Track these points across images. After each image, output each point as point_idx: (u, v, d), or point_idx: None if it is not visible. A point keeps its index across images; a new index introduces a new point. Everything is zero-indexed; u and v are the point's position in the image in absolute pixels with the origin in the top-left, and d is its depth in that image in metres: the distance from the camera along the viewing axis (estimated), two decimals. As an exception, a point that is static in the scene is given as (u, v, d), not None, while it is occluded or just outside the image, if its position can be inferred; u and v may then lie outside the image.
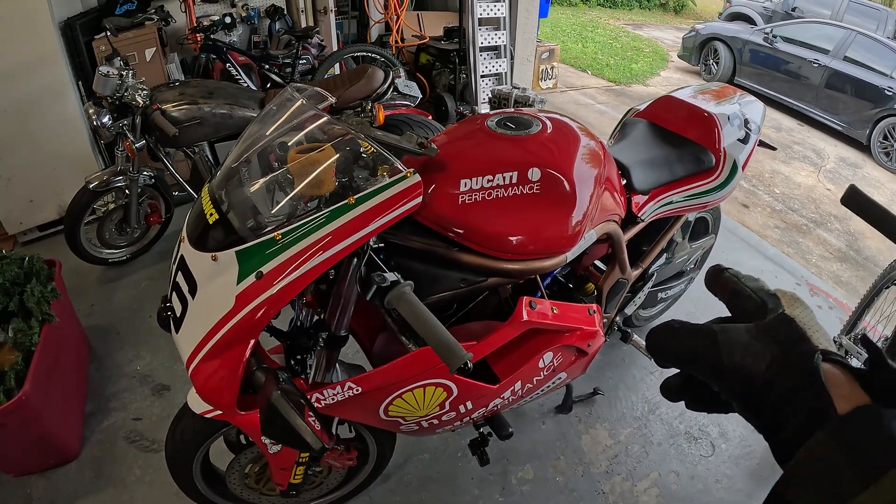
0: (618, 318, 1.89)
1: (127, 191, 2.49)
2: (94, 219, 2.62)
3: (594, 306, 1.42)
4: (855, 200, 1.20)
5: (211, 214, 1.03)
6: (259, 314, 0.93)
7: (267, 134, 1.16)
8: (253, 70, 3.39)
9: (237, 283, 0.94)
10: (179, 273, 1.05)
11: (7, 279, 1.91)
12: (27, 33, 2.50)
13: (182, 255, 1.05)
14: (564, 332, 1.30)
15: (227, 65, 3.15)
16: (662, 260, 1.96)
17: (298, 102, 1.15)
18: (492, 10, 4.05)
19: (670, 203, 1.75)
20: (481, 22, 4.04)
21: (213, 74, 3.28)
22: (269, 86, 3.45)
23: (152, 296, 2.57)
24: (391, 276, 0.96)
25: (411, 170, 0.99)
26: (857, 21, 7.60)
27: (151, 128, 2.29)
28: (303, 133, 1.11)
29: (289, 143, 1.10)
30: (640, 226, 1.69)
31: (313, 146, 1.06)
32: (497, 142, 1.22)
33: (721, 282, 0.45)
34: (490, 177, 1.13)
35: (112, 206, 2.61)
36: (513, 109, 1.42)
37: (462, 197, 1.12)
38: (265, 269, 0.93)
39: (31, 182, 2.78)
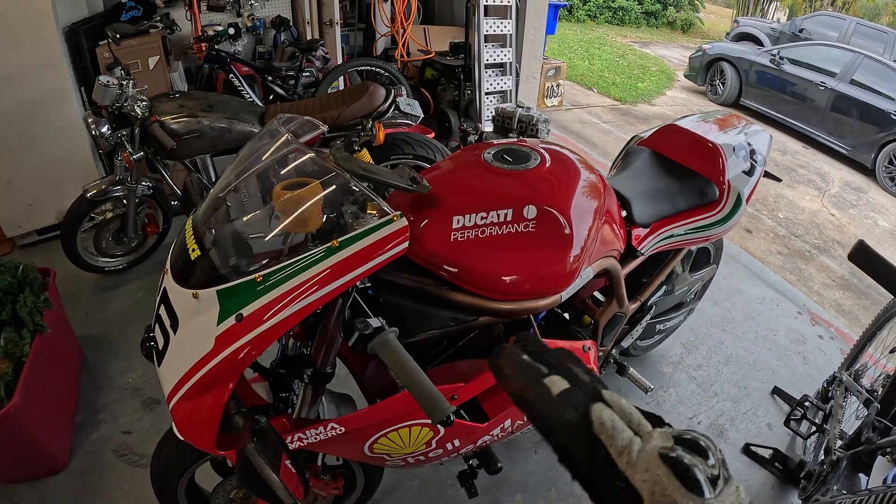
0: (614, 350, 1.85)
1: (125, 200, 2.48)
2: (92, 226, 2.61)
3: (589, 342, 1.40)
4: (862, 256, 1.18)
5: (193, 250, 1.01)
6: (239, 357, 0.90)
7: (253, 168, 1.14)
8: (256, 81, 3.38)
9: (217, 324, 0.91)
10: (162, 306, 1.02)
11: (0, 288, 1.89)
12: (31, 37, 2.50)
13: (165, 288, 1.03)
14: None
15: (231, 76, 3.14)
16: (662, 292, 1.93)
17: (284, 137, 1.12)
18: (498, 27, 4.05)
19: (671, 237, 1.71)
20: (487, 39, 4.04)
21: (216, 84, 3.27)
22: (271, 98, 3.44)
23: (147, 307, 2.55)
24: (375, 323, 0.93)
25: (398, 213, 0.95)
26: (864, 44, 7.61)
27: (150, 139, 2.28)
28: (289, 167, 1.08)
29: (275, 179, 1.08)
30: (640, 260, 1.65)
31: (300, 181, 1.03)
32: (493, 176, 1.20)
33: (526, 403, 0.42)
34: (484, 214, 1.10)
35: (110, 214, 2.60)
36: (513, 140, 1.39)
37: (454, 234, 1.09)
38: (245, 311, 0.90)
39: (32, 186, 2.77)
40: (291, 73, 3.36)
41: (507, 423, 1.27)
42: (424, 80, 4.52)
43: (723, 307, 3.07)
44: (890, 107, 5.87)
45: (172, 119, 2.28)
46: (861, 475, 1.70)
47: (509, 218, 1.11)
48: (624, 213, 1.58)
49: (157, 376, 1.06)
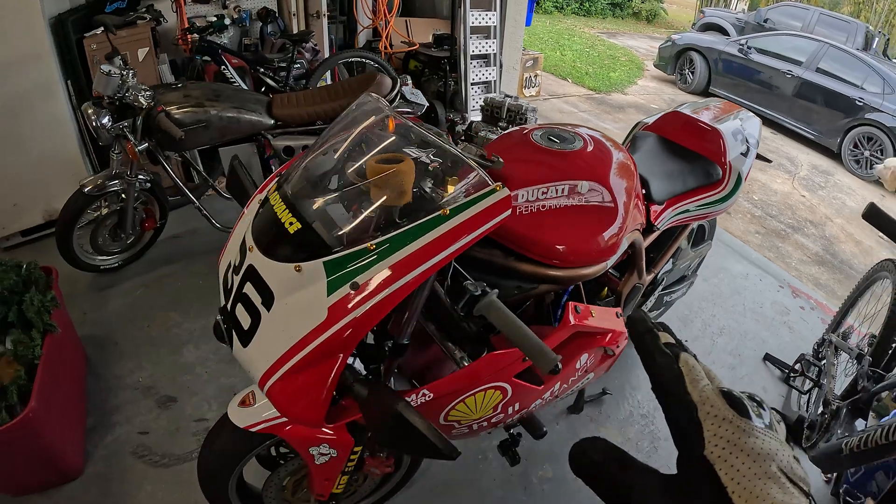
0: (632, 320, 1.95)
1: (123, 195, 2.42)
2: (85, 224, 2.53)
3: (619, 310, 1.47)
4: (874, 216, 1.29)
5: (291, 223, 1.00)
6: (356, 326, 0.91)
7: (348, 139, 1.15)
8: (247, 73, 3.33)
9: (327, 295, 0.92)
10: (248, 284, 1.02)
11: (5, 287, 1.82)
12: (17, 28, 2.39)
13: (251, 265, 1.02)
14: (599, 335, 1.34)
15: (222, 67, 3.09)
16: (670, 265, 2.03)
17: (377, 109, 1.14)
18: (483, 18, 4.10)
19: (683, 213, 1.82)
20: (473, 30, 4.08)
21: (204, 77, 3.20)
22: (263, 90, 3.40)
23: (148, 304, 2.50)
24: (479, 286, 0.97)
25: (499, 183, 0.99)
26: (828, 33, 7.95)
27: (153, 130, 2.23)
28: (384, 143, 1.10)
29: (367, 153, 1.09)
30: (656, 234, 1.75)
31: (391, 157, 1.05)
32: (546, 155, 1.28)
33: (642, 345, 0.50)
34: (544, 188, 1.17)
35: (105, 210, 2.52)
36: (555, 124, 1.46)
37: (519, 207, 1.16)
38: (360, 279, 0.91)
39: (16, 185, 2.66)
40: (283, 65, 3.33)
41: (557, 385, 1.33)
42: (408, 72, 4.52)
43: (711, 283, 3.21)
44: (854, 93, 6.19)
45: (178, 109, 2.23)
46: (860, 420, 1.88)
47: (565, 192, 1.20)
48: (643, 192, 1.67)
49: (238, 359, 1.05)
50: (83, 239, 2.53)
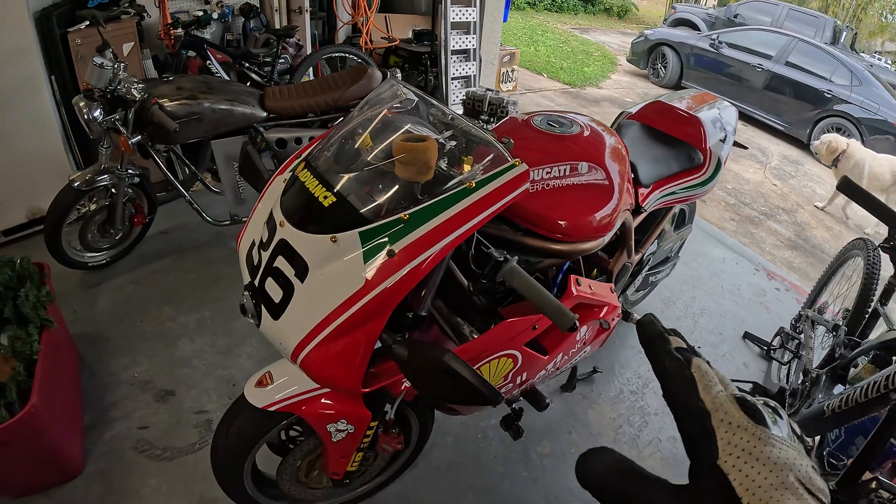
0: (620, 299, 2.04)
1: (112, 190, 2.40)
2: (73, 221, 2.50)
3: (612, 286, 1.55)
4: (848, 188, 1.41)
5: (325, 197, 1.05)
6: (393, 291, 0.96)
7: (373, 119, 1.19)
8: (231, 68, 3.33)
9: (364, 262, 0.96)
10: (280, 257, 1.05)
11: (0, 283, 1.81)
12: (1, 23, 2.34)
13: (283, 240, 1.06)
14: (596, 308, 1.41)
15: (207, 62, 3.09)
16: (655, 247, 2.13)
17: (402, 92, 1.20)
18: (464, 14, 4.16)
19: (667, 195, 1.91)
20: (453, 26, 4.14)
21: (188, 72, 3.19)
22: (248, 84, 3.40)
23: (140, 300, 2.49)
24: (501, 253, 1.04)
25: (518, 159, 1.06)
26: (796, 28, 8.21)
27: (145, 123, 2.22)
28: (409, 123, 1.15)
29: (393, 131, 1.14)
30: (643, 215, 1.83)
31: (416, 135, 1.10)
32: (549, 138, 1.37)
33: (652, 349, 0.49)
34: (548, 168, 1.25)
35: (94, 206, 2.50)
36: (555, 110, 1.53)
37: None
38: (397, 247, 0.97)
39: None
40: (268, 60, 3.33)
41: (560, 356, 1.40)
42: (388, 67, 4.56)
43: (691, 267, 3.34)
44: (823, 86, 6.43)
45: (172, 101, 2.23)
46: (838, 386, 1.99)
47: (567, 172, 1.29)
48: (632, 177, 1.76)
49: (267, 334, 1.08)
50: (71, 236, 2.50)
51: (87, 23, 2.60)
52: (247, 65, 3.33)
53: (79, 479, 1.74)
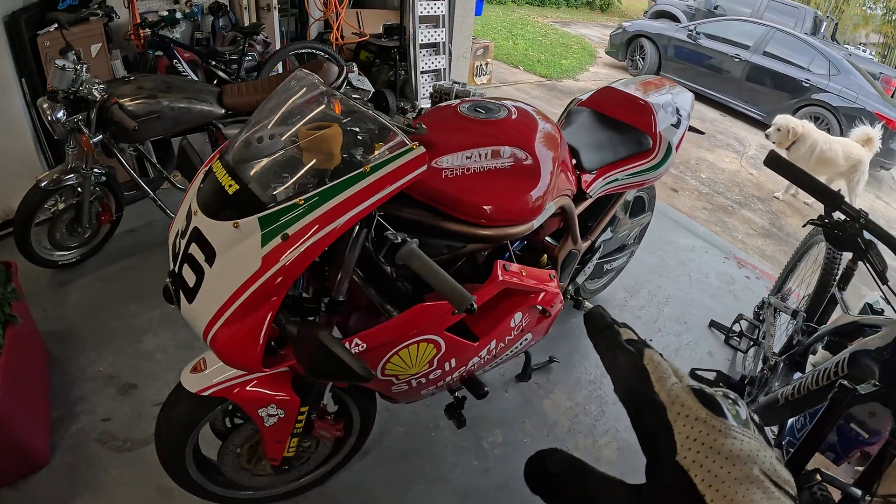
0: (570, 287, 2.06)
1: (79, 188, 2.44)
2: (43, 220, 2.54)
3: (552, 272, 1.58)
4: (775, 162, 1.41)
5: (230, 186, 1.09)
6: (286, 272, 1.01)
7: (281, 110, 1.23)
8: (199, 66, 3.36)
9: (262, 246, 1.01)
10: (193, 244, 1.10)
11: (-34, 281, 1.85)
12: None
13: (195, 227, 1.10)
14: (532, 294, 1.45)
15: (174, 61, 3.11)
16: (608, 234, 2.16)
17: (309, 83, 1.23)
18: (432, 7, 4.19)
19: (615, 181, 1.93)
20: (421, 20, 4.18)
21: (157, 71, 3.22)
22: (215, 82, 3.43)
23: (108, 297, 2.52)
24: (401, 235, 1.08)
25: (415, 143, 1.10)
26: (777, 19, 8.25)
27: (107, 122, 2.26)
28: (314, 112, 1.19)
29: (299, 121, 1.18)
30: (589, 201, 1.86)
31: (321, 124, 1.15)
32: (472, 124, 1.39)
33: (602, 341, 0.46)
34: (468, 154, 1.28)
35: (62, 205, 2.54)
36: (480, 98, 1.56)
37: (445, 172, 1.27)
38: (291, 230, 1.01)
39: (-30, 185, 2.65)
40: (234, 58, 3.36)
41: (493, 344, 1.43)
42: (360, 63, 4.61)
43: (657, 256, 3.37)
44: (801, 75, 6.47)
45: (132, 101, 2.27)
46: (797, 374, 1.99)
47: (489, 157, 1.31)
48: (574, 162, 1.78)
49: (185, 317, 1.12)
50: (41, 235, 2.54)
51: (56, 25, 2.63)
52: (213, 63, 3.36)
53: (45, 470, 1.79)
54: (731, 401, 0.40)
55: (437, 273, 1.00)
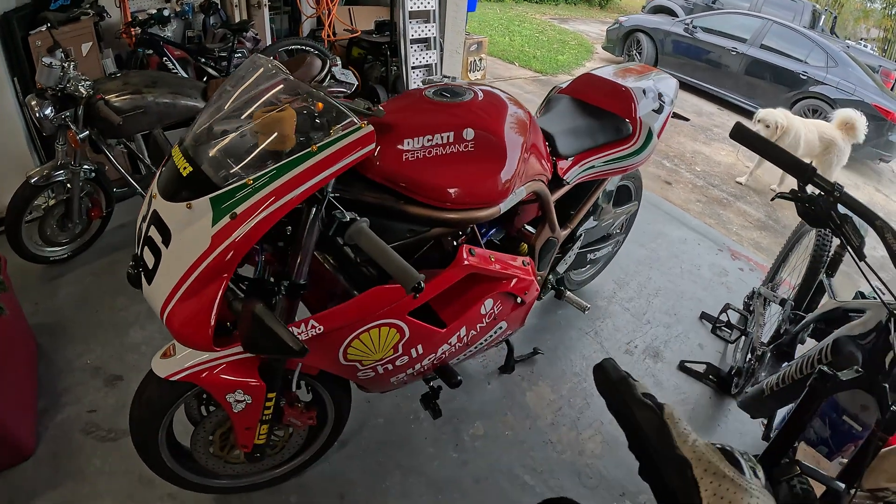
0: (551, 276, 2.06)
1: (69, 184, 2.47)
2: (34, 217, 2.57)
3: (527, 259, 1.58)
4: (740, 134, 1.38)
5: (185, 168, 1.11)
6: (234, 249, 1.03)
7: (235, 96, 1.25)
8: (189, 64, 3.39)
9: (212, 225, 1.03)
10: (152, 227, 1.12)
11: (-45, 273, 1.87)
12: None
13: (154, 210, 1.13)
14: (502, 280, 1.45)
15: (164, 59, 3.15)
16: (590, 222, 2.15)
17: (264, 67, 1.25)
18: (422, 3, 4.20)
19: (593, 167, 1.93)
20: (412, 15, 4.19)
21: (148, 69, 3.26)
22: (205, 79, 3.45)
23: (97, 291, 2.55)
24: (350, 215, 1.10)
25: (365, 122, 1.12)
26: (775, 12, 8.17)
27: (94, 118, 2.30)
28: (268, 95, 1.20)
29: (255, 105, 1.19)
30: (566, 188, 1.85)
31: (277, 107, 1.16)
32: (435, 107, 1.38)
33: (616, 394, 0.46)
34: (430, 136, 1.28)
35: (52, 201, 2.57)
36: (447, 82, 1.56)
37: (406, 154, 1.27)
38: (239, 209, 1.03)
39: (-36, 182, 2.68)
40: (224, 55, 3.40)
41: (463, 331, 1.44)
42: (352, 59, 4.64)
43: (649, 248, 3.35)
44: (799, 67, 6.43)
45: (117, 97, 2.31)
46: (785, 364, 1.94)
47: (451, 139, 1.30)
48: (550, 149, 1.77)
49: (147, 298, 1.14)
50: (32, 231, 2.57)
51: (47, 25, 2.67)
52: (203, 60, 3.39)
53: (30, 460, 1.81)
54: (746, 457, 0.42)
55: (385, 251, 1.01)
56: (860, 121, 4.51)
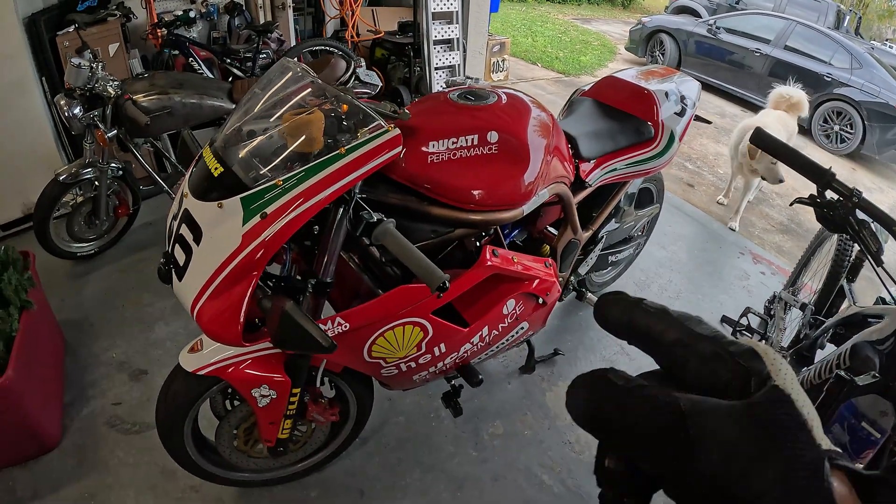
0: (572, 278, 2.06)
1: (96, 182, 2.53)
2: (62, 214, 2.63)
3: (549, 260, 1.58)
4: (762, 140, 1.37)
5: (216, 169, 1.14)
6: (264, 248, 1.05)
7: (264, 99, 1.27)
8: (214, 64, 3.45)
9: (242, 225, 1.06)
10: (183, 225, 1.15)
11: (-16, 268, 1.93)
12: (-8, 29, 2.48)
13: (186, 209, 1.15)
14: (525, 281, 1.45)
15: (190, 59, 3.20)
16: (612, 225, 2.14)
17: (292, 71, 1.27)
18: (445, 4, 4.21)
19: (615, 170, 1.92)
20: (435, 16, 4.20)
21: (174, 69, 3.31)
22: (230, 79, 3.51)
23: (123, 287, 2.60)
24: (377, 215, 1.12)
25: (392, 125, 1.14)
26: (799, 13, 8.04)
27: (122, 118, 2.35)
28: (296, 98, 1.23)
29: (283, 107, 1.22)
30: (588, 190, 1.85)
31: (305, 110, 1.18)
32: (459, 110, 1.39)
33: (645, 322, 0.36)
34: (454, 139, 1.29)
35: (80, 198, 2.63)
36: (470, 83, 1.57)
37: (431, 157, 1.28)
38: (269, 209, 1.06)
39: (-6, 180, 2.76)
40: (249, 56, 3.45)
41: (485, 330, 1.44)
42: (375, 60, 4.67)
43: (669, 250, 3.32)
44: (823, 69, 6.31)
45: (144, 97, 2.36)
46: (804, 369, 1.94)
47: (475, 142, 1.31)
48: (572, 151, 1.78)
49: (176, 295, 1.17)
50: (60, 228, 2.64)
51: (75, 26, 2.74)
52: (228, 61, 3.45)
53: (55, 451, 1.85)
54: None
55: (411, 251, 1.02)
56: (798, 95, 4.21)
